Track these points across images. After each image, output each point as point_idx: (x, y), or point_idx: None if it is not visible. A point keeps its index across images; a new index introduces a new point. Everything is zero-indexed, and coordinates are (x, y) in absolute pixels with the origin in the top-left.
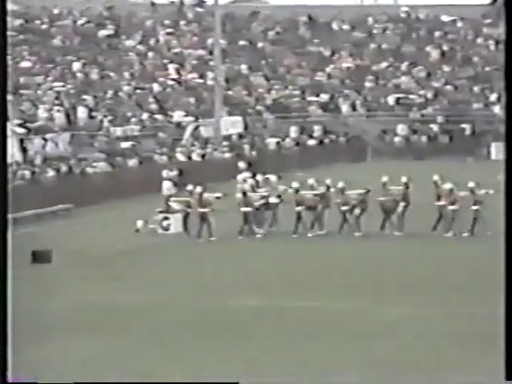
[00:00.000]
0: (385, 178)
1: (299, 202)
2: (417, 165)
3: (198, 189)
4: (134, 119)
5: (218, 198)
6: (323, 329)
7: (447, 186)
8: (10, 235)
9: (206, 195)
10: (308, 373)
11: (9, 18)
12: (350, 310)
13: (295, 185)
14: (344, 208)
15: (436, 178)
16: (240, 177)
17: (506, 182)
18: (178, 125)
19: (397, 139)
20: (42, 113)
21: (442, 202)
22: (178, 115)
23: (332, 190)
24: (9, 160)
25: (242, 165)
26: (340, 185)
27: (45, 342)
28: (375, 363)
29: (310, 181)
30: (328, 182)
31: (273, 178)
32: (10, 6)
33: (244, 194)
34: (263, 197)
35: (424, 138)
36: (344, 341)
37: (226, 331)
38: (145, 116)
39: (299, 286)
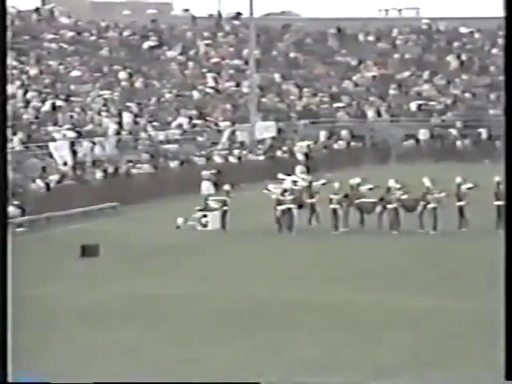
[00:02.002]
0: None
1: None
2: (438, 166)
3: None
4: (174, 124)
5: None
6: None
7: None
8: (9, 235)
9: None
10: None
11: (61, 31)
12: None
13: (392, 184)
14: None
15: (498, 179)
16: (298, 173)
17: (506, 182)
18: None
19: (419, 143)
20: (90, 118)
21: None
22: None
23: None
24: (60, 162)
25: (300, 157)
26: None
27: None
28: None
29: (391, 182)
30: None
31: (356, 180)
32: (62, 20)
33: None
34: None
35: (444, 142)
36: None
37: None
38: (185, 121)
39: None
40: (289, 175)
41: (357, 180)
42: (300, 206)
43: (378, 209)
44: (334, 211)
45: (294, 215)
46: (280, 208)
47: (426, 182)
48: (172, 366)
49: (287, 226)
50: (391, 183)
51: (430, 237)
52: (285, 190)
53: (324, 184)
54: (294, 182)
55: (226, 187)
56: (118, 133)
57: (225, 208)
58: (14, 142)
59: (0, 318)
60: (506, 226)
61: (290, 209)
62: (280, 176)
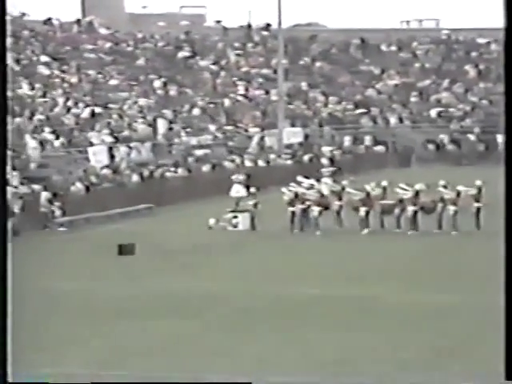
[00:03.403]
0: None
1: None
2: (457, 170)
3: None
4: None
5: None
6: None
7: None
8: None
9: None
10: None
11: (100, 42)
12: None
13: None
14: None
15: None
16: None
17: (506, 182)
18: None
19: (439, 148)
20: (127, 124)
21: None
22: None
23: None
24: (98, 166)
25: (325, 161)
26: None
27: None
28: None
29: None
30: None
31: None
32: (101, 31)
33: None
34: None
35: (463, 147)
36: None
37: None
38: (216, 127)
39: None
40: (307, 178)
41: (384, 183)
42: (326, 208)
43: (397, 210)
44: (359, 213)
45: (315, 216)
46: (291, 209)
47: (443, 184)
48: None
49: (303, 227)
50: (418, 187)
51: (452, 237)
52: (296, 194)
53: (344, 188)
54: (312, 185)
55: (252, 190)
56: (153, 138)
57: (254, 209)
58: (56, 147)
59: (0, 319)
60: (506, 226)
61: (305, 210)
62: (299, 179)
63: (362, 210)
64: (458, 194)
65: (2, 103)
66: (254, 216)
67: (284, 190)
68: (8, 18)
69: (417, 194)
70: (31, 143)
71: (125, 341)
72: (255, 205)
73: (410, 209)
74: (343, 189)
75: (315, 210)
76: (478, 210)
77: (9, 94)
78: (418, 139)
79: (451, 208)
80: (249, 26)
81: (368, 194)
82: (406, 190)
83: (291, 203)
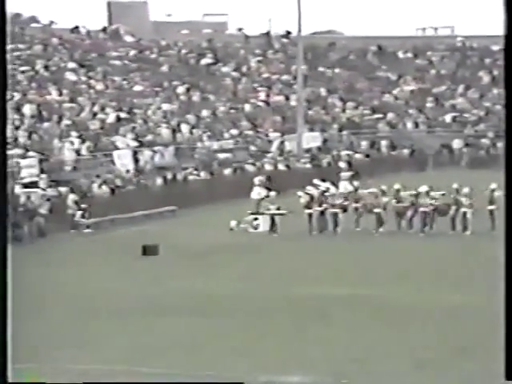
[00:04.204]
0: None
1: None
2: (471, 173)
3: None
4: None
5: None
6: None
7: None
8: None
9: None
10: None
11: (125, 49)
12: None
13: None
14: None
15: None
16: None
17: (506, 182)
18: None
19: (454, 152)
20: (151, 129)
21: None
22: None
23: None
24: (123, 169)
25: (343, 165)
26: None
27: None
28: None
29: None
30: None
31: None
32: (126, 39)
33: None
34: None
35: (477, 151)
36: None
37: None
38: (237, 132)
39: None
40: (324, 181)
41: (397, 186)
42: (344, 210)
43: (410, 212)
44: (377, 215)
45: (333, 218)
46: (308, 211)
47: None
48: None
49: (322, 229)
50: (423, 188)
51: (467, 238)
52: (312, 197)
53: (355, 191)
54: (328, 188)
55: (272, 193)
56: (176, 142)
57: (275, 212)
58: (82, 151)
59: (0, 319)
60: (506, 226)
61: (323, 212)
62: (315, 181)
63: (380, 212)
64: (471, 196)
65: (1, 104)
66: (274, 218)
67: (300, 193)
68: (37, 25)
69: (427, 194)
70: (67, 146)
71: (154, 338)
72: (278, 208)
73: (424, 210)
74: (356, 191)
75: (335, 212)
76: (492, 211)
77: (38, 99)
78: (433, 144)
79: (467, 210)
80: (269, 33)
81: (383, 196)
82: (418, 193)
83: (308, 206)
